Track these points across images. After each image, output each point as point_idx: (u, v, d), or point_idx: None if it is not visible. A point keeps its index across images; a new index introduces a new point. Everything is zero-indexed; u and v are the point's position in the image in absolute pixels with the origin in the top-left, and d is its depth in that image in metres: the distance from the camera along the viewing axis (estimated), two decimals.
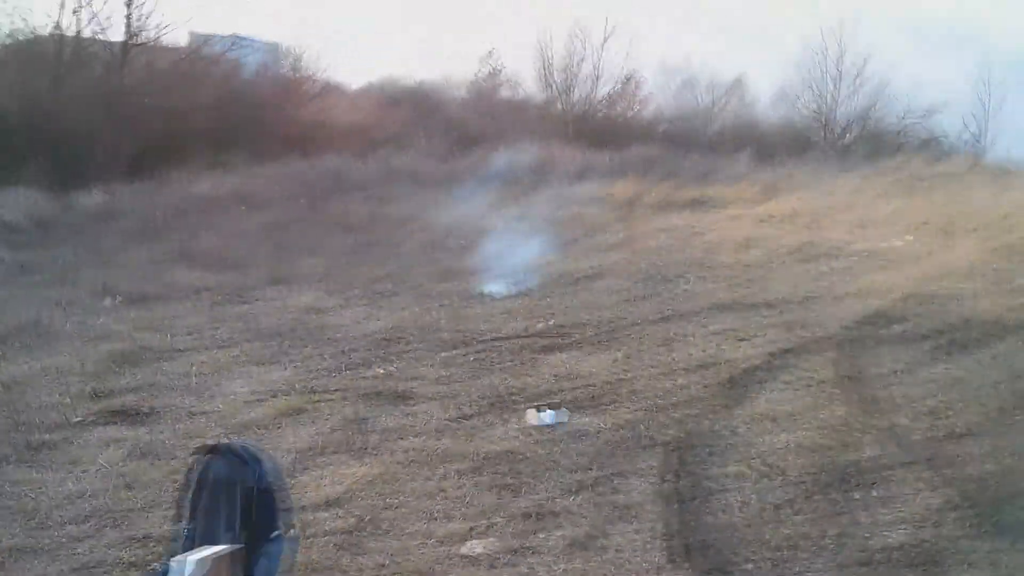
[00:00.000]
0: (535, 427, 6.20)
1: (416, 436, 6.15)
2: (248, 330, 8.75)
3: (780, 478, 5.33)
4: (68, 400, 6.83)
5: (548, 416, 6.28)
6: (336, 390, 7.08)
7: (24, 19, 19.23)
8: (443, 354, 7.95)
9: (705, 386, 6.85)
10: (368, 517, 5.00)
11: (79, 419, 6.50)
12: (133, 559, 4.59)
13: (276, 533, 3.42)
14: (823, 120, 28.33)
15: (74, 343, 8.37)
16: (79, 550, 4.71)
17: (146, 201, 15.27)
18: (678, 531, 4.79)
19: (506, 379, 7.25)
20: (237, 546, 3.22)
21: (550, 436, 6.07)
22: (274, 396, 6.96)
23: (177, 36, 21.79)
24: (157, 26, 19.89)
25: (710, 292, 9.68)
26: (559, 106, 27.51)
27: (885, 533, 4.64)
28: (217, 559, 3.09)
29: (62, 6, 18.78)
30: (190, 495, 3.39)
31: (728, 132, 27.60)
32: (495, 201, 15.04)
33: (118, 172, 17.09)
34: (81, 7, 18.82)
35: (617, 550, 4.61)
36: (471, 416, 6.51)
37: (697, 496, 5.19)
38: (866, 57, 27.37)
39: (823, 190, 16.54)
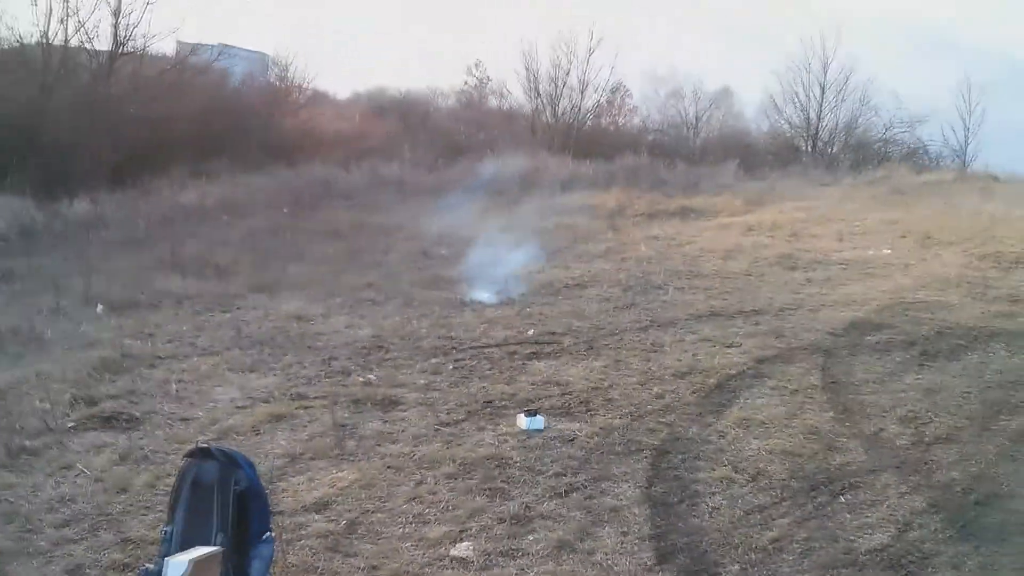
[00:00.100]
0: (520, 432, 6.21)
1: (394, 443, 6.15)
2: (231, 338, 8.72)
3: (765, 481, 5.39)
4: (50, 406, 6.78)
5: (537, 421, 6.29)
6: (315, 397, 7.07)
7: (11, 28, 19.25)
8: (426, 362, 7.95)
9: (692, 392, 6.90)
10: (355, 520, 5.00)
11: (64, 425, 6.46)
12: (124, 561, 4.60)
13: (268, 534, 3.45)
14: (808, 130, 28.59)
15: (59, 350, 8.32)
16: (66, 552, 4.70)
17: (132, 209, 15.22)
18: (664, 533, 4.81)
19: (489, 386, 7.25)
20: (227, 547, 3.25)
21: (535, 441, 6.08)
22: (257, 404, 6.94)
23: (164, 45, 21.85)
24: (144, 35, 19.96)
25: (694, 301, 9.72)
26: (546, 117, 27.67)
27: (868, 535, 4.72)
28: (209, 559, 3.13)
29: (49, 15, 18.79)
30: (181, 497, 3.41)
31: (714, 142, 27.84)
32: (482, 210, 15.04)
33: (104, 180, 17.06)
34: (68, 16, 18.83)
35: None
36: (457, 422, 6.50)
37: (684, 499, 5.23)
38: (851, 68, 27.77)
39: (809, 200, 16.68)
